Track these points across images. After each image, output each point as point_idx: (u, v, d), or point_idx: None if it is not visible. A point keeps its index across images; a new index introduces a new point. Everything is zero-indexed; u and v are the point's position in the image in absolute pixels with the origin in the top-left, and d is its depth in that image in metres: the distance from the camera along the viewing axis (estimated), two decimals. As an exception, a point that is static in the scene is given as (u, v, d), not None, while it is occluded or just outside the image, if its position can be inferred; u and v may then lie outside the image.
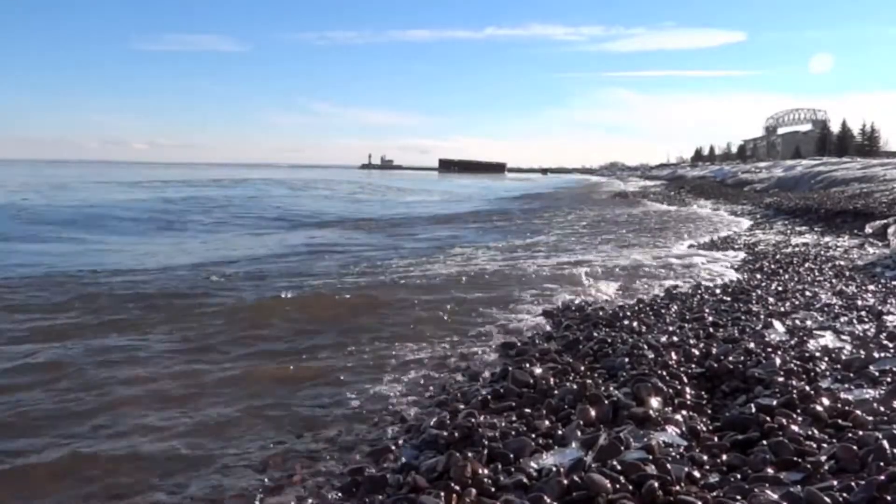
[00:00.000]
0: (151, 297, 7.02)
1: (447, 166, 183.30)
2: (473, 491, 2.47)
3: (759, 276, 8.16)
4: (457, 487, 2.48)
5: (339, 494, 2.73)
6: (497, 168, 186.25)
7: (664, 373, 3.77)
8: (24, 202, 21.80)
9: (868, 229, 12.45)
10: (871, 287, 7.03)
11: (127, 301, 6.85)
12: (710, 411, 3.44)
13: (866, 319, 5.28)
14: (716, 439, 2.99)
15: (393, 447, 3.07)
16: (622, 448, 2.68)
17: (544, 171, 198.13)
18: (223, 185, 40.15)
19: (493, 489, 2.50)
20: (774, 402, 3.24)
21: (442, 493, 2.40)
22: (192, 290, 7.41)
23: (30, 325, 5.80)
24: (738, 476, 2.59)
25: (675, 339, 4.65)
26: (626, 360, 4.07)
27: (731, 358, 4.02)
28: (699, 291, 6.98)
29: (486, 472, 2.64)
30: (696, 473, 2.59)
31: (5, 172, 61.68)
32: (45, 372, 4.44)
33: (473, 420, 3.12)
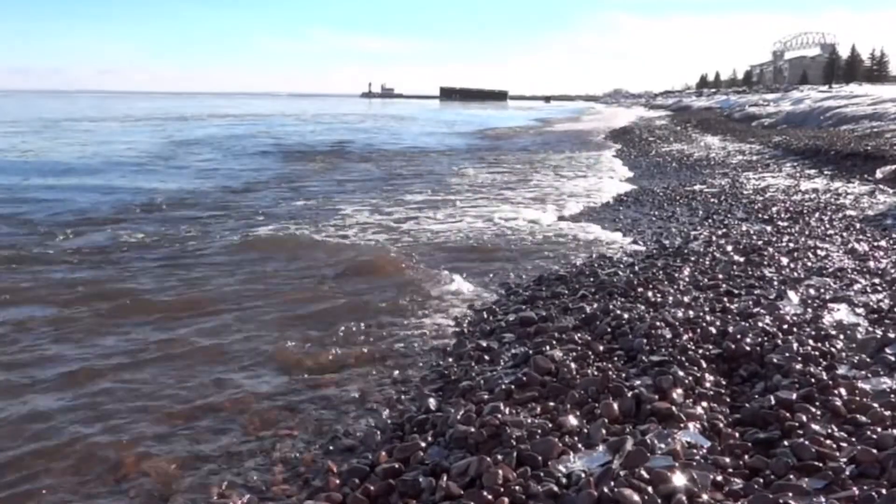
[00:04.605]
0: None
1: (448, 94, 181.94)
2: (506, 500, 2.55)
3: (769, 228, 8.20)
4: (489, 497, 2.56)
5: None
6: (499, 96, 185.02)
7: (683, 358, 3.83)
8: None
9: (878, 174, 12.36)
10: (883, 243, 7.04)
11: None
12: (728, 399, 3.51)
13: (880, 288, 5.31)
14: (737, 435, 3.07)
15: (423, 444, 3.15)
16: (648, 454, 2.76)
17: (547, 98, 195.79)
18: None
19: (524, 497, 2.59)
20: (794, 396, 3.30)
21: (474, 504, 2.49)
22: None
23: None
24: (762, 481, 2.67)
25: (690, 313, 4.69)
26: (644, 341, 4.12)
27: (748, 339, 4.07)
28: (710, 249, 6.99)
29: (516, 476, 2.73)
30: (720, 478, 2.67)
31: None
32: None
33: (500, 416, 3.19)
